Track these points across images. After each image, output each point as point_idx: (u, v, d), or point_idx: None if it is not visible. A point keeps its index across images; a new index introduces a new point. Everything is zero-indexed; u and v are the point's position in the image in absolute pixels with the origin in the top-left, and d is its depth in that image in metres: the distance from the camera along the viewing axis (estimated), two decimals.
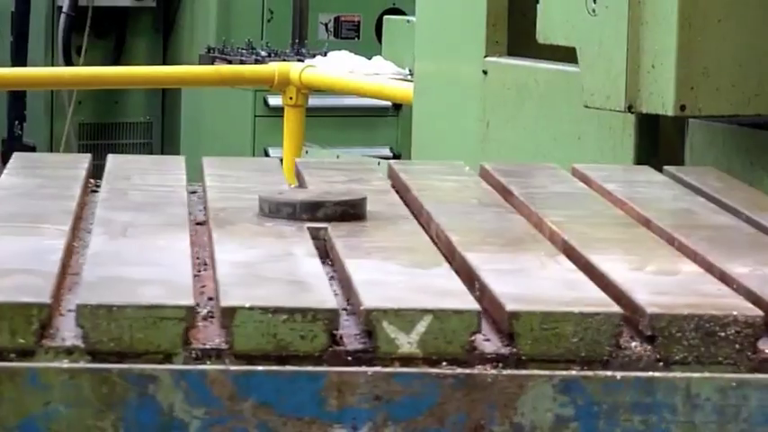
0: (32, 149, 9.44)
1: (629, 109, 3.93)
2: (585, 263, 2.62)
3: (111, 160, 3.94)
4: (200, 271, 2.66)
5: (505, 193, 3.44)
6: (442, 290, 2.35)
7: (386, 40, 6.88)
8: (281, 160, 7.31)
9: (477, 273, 2.51)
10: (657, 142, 4.18)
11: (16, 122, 9.56)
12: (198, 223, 3.15)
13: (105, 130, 10.01)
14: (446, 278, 2.46)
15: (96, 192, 3.56)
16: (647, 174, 3.63)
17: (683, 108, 3.85)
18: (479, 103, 4.55)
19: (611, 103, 3.95)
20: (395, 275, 2.51)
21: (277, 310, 2.17)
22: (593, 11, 3.93)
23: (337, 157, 6.76)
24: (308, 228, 2.94)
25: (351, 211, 3.02)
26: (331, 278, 2.58)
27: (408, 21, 5.55)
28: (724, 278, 2.49)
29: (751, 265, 2.55)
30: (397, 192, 3.50)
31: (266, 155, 8.39)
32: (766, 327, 2.15)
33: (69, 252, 2.75)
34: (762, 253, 2.71)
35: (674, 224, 3.03)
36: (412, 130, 4.92)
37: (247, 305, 2.18)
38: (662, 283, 2.45)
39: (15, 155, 4.12)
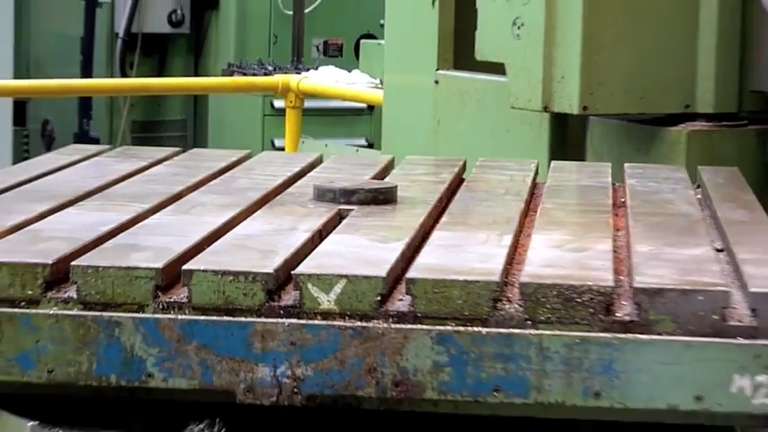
0: (97, 141, 9.62)
1: (545, 109, 4.03)
2: (524, 241, 2.64)
3: (257, 157, 3.92)
4: (212, 240, 2.63)
5: (536, 186, 3.37)
6: (374, 260, 2.38)
7: (362, 58, 6.97)
8: (284, 148, 7.33)
9: (423, 247, 2.57)
10: (566, 134, 4.26)
11: (84, 120, 9.68)
12: (260, 203, 3.09)
13: (150, 126, 10.06)
14: (389, 251, 2.46)
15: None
16: (670, 171, 3.54)
17: (585, 108, 3.96)
18: (432, 106, 4.62)
19: (531, 104, 4.05)
20: (353, 248, 2.54)
21: (225, 273, 2.27)
22: (518, 36, 4.03)
23: (326, 146, 6.88)
24: (339, 209, 2.95)
25: (380, 197, 3.01)
26: (311, 248, 2.54)
27: (379, 44, 5.60)
28: (625, 255, 2.49)
29: (655, 246, 2.52)
30: (453, 183, 3.42)
31: (272, 145, 8.71)
32: (619, 295, 2.18)
33: (126, 224, 2.78)
34: (680, 237, 2.65)
35: (641, 212, 2.93)
36: (382, 126, 4.96)
37: (202, 268, 2.29)
38: (561, 258, 2.41)
39: (193, 151, 4.19)
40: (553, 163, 3.57)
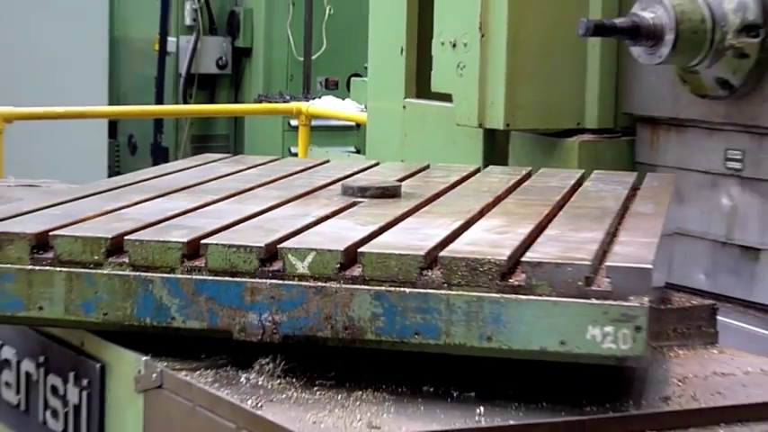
0: (167, 150, 9.65)
1: (480, 126, 3.94)
2: (467, 225, 2.51)
3: (332, 163, 3.70)
4: (242, 222, 2.56)
5: (517, 186, 3.18)
6: (343, 238, 2.31)
7: (352, 91, 6.61)
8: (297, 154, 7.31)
9: (389, 229, 2.47)
10: (495, 144, 4.12)
11: (158, 134, 9.62)
12: (300, 196, 2.98)
13: (204, 138, 9.92)
14: (360, 232, 2.39)
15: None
16: (622, 176, 3.35)
17: (507, 125, 3.89)
18: (401, 124, 4.51)
19: (470, 122, 3.96)
20: (337, 229, 2.47)
21: (231, 246, 2.26)
22: (461, 74, 3.94)
23: (326, 152, 6.84)
24: (354, 201, 2.84)
25: (387, 193, 2.90)
26: (306, 228, 2.48)
27: (363, 80, 5.64)
28: (535, 237, 2.37)
29: (562, 231, 2.45)
30: (456, 184, 3.26)
31: (290, 152, 8.47)
32: (514, 266, 2.12)
33: (188, 210, 2.70)
34: (586, 224, 2.55)
35: (574, 206, 2.82)
36: (366, 138, 4.88)
37: (215, 242, 2.28)
38: (484, 239, 2.35)
39: (287, 159, 4.05)
40: (541, 170, 3.46)
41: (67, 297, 2.33)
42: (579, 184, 3.18)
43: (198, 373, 2.24)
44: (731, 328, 3.35)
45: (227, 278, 2.25)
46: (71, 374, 2.51)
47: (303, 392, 2.15)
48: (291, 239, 2.32)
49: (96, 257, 2.33)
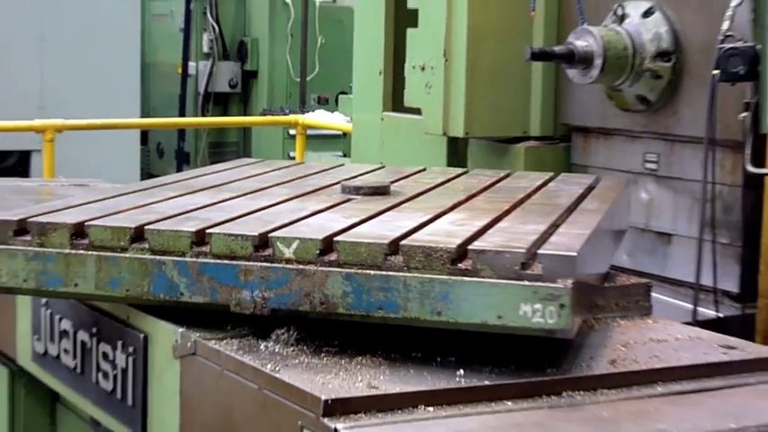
0: (188, 155, 9.56)
1: (444, 134, 3.92)
2: (435, 219, 2.44)
3: (345, 167, 3.56)
4: (248, 215, 2.51)
5: (491, 186, 3.04)
6: (326, 228, 2.26)
7: (340, 106, 6.74)
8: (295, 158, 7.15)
9: (368, 221, 2.40)
10: (456, 149, 4.08)
11: (181, 142, 9.46)
12: (304, 194, 2.88)
13: (219, 145, 9.76)
14: (341, 224, 2.34)
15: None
16: (581, 178, 3.23)
17: (467, 133, 3.87)
18: (380, 133, 4.47)
19: (436, 131, 3.94)
20: (324, 221, 2.41)
21: (230, 235, 2.24)
22: (428, 92, 3.93)
23: (319, 157, 6.81)
24: (349, 198, 2.77)
25: (377, 191, 2.81)
26: (298, 220, 2.43)
27: (349, 97, 5.63)
28: (486, 228, 2.31)
29: (512, 223, 2.39)
30: (440, 182, 3.13)
31: (289, 156, 8.35)
32: (464, 253, 2.06)
33: (207, 205, 2.65)
34: (536, 218, 2.46)
35: (532, 202, 2.73)
36: (351, 145, 4.82)
37: (217, 231, 2.26)
38: (444, 230, 2.29)
39: (308, 164, 3.77)
40: (517, 172, 3.38)
41: (97, 276, 2.33)
42: (545, 184, 3.10)
43: (225, 342, 2.23)
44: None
45: (225, 261, 2.22)
46: (119, 343, 2.51)
47: (313, 358, 2.14)
48: (282, 230, 2.28)
49: (122, 243, 2.32)
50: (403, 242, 2.11)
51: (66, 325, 2.74)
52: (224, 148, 9.86)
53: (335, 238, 2.16)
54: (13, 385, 3.33)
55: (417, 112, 4.09)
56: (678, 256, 3.48)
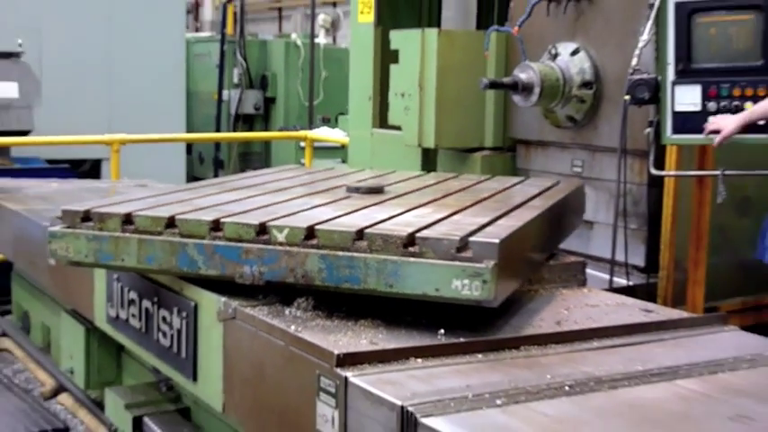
0: (222, 162, 9.33)
1: (419, 146, 3.87)
2: (405, 212, 2.37)
3: (360, 173, 3.42)
4: (260, 208, 2.45)
5: (468, 187, 2.95)
6: (316, 219, 2.21)
7: (339, 124, 6.66)
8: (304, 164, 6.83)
9: (352, 214, 2.36)
10: (428, 158, 4.02)
11: (217, 152, 9.27)
12: (314, 192, 2.79)
13: (246, 155, 9.50)
14: (329, 215, 2.28)
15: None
16: (543, 181, 3.15)
17: (437, 145, 3.81)
18: (370, 145, 4.40)
19: (413, 143, 3.88)
20: (318, 212, 2.35)
21: (237, 223, 2.23)
22: (407, 113, 3.88)
23: (323, 163, 6.49)
24: (349, 195, 2.70)
25: (374, 190, 2.75)
26: (297, 212, 2.37)
27: (346, 117, 5.58)
28: (440, 220, 2.25)
29: (464, 216, 2.32)
30: (430, 184, 3.02)
31: (300, 163, 7.81)
32: (414, 239, 2.02)
33: (233, 200, 2.59)
34: (485, 212, 2.38)
35: (492, 201, 2.67)
36: (348, 155, 4.76)
37: (229, 221, 2.24)
38: (406, 221, 2.23)
39: (336, 169, 3.63)
40: (497, 177, 3.30)
41: (138, 254, 2.33)
42: (513, 186, 3.00)
43: (258, 308, 2.20)
44: None
45: (232, 243, 2.21)
46: (175, 309, 2.49)
47: (327, 321, 2.10)
48: (280, 219, 2.24)
49: (158, 229, 2.32)
50: (367, 230, 2.08)
51: (133, 295, 2.73)
52: (250, 156, 9.75)
53: (317, 227, 2.13)
54: (88, 339, 3.34)
55: (398, 128, 4.05)
56: (598, 239, 3.45)
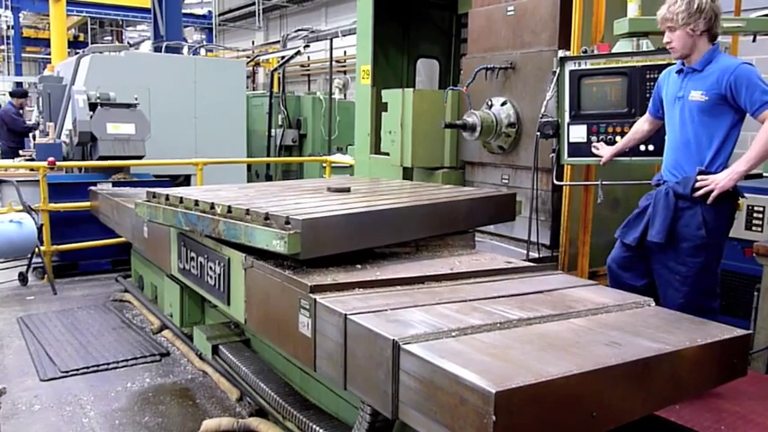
0: (271, 176, 8.73)
1: (401, 165, 3.75)
2: (336, 204, 2.23)
3: (355, 179, 3.24)
4: (265, 201, 2.31)
5: (415, 190, 2.73)
6: (301, 213, 2.07)
7: (349, 152, 6.17)
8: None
9: (291, 202, 2.24)
10: (407, 175, 3.84)
11: (267, 170, 8.70)
12: (307, 191, 2.61)
13: (287, 172, 9.16)
14: (311, 212, 2.11)
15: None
16: (473, 190, 2.86)
17: (412, 165, 3.70)
18: (369, 165, 4.26)
19: (396, 164, 3.76)
20: (300, 207, 2.21)
21: (236, 214, 2.12)
22: (393, 143, 3.82)
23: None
24: (325, 194, 2.54)
25: (343, 189, 2.61)
26: (288, 205, 2.21)
27: (353, 147, 5.44)
28: (323, 207, 2.15)
29: (345, 205, 2.20)
30: (399, 187, 2.83)
31: (322, 177, 7.96)
32: (266, 216, 1.91)
33: (252, 196, 2.46)
34: (366, 202, 2.26)
35: (401, 196, 2.53)
36: (354, 172, 4.54)
37: (234, 206, 2.15)
38: (302, 207, 2.12)
39: (342, 179, 3.41)
40: (450, 186, 3.13)
41: (179, 220, 2.34)
42: (443, 190, 2.82)
43: (268, 262, 2.11)
44: (500, 248, 3.35)
45: (197, 213, 2.22)
46: (216, 261, 2.41)
47: (306, 268, 1.96)
48: (261, 207, 2.13)
49: (190, 207, 2.33)
50: (252, 210, 2.06)
51: (192, 254, 2.66)
52: (289, 173, 9.65)
53: (249, 209, 2.10)
54: (182, 294, 3.30)
55: (387, 154, 4.00)
56: (520, 226, 3.42)
